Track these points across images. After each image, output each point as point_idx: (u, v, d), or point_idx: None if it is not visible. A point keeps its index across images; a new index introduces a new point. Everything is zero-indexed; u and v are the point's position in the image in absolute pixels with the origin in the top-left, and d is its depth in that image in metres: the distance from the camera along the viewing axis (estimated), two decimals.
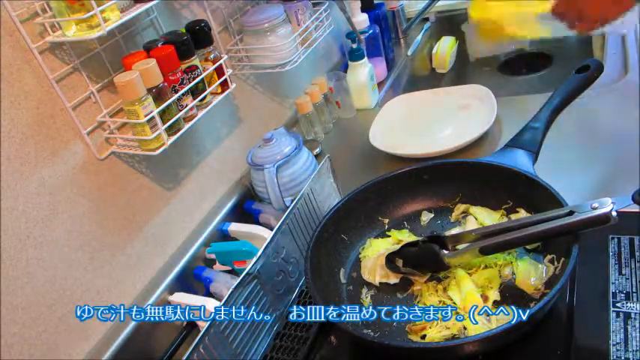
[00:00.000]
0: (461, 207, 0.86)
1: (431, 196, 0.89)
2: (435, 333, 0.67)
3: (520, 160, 0.81)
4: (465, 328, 0.67)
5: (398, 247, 0.78)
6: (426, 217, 0.88)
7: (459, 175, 0.87)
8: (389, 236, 0.86)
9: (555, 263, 0.70)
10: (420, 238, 0.78)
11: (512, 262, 0.74)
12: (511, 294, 0.70)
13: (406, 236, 0.85)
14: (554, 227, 0.66)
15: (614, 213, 0.62)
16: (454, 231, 0.82)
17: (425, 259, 0.75)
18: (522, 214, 0.79)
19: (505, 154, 0.83)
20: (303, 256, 0.79)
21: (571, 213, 0.65)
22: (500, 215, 0.82)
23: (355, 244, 0.86)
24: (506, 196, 0.82)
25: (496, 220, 0.81)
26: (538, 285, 0.69)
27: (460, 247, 0.74)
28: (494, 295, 0.70)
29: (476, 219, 0.83)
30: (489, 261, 0.74)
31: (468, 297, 0.70)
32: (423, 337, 0.68)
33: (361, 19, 1.34)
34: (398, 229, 0.87)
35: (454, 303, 0.70)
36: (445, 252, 0.73)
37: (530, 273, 0.71)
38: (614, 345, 0.61)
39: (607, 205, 0.62)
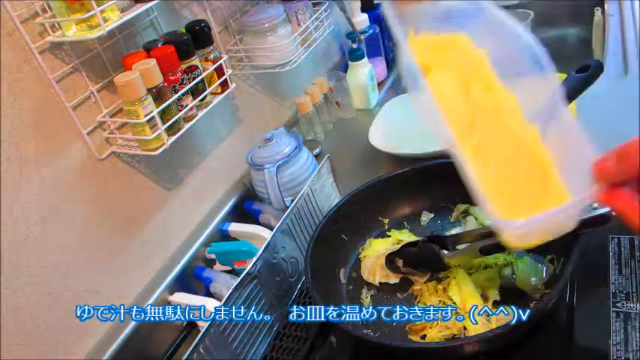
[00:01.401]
0: (461, 207, 0.86)
1: (431, 196, 0.89)
2: (435, 333, 0.67)
3: None
4: (465, 328, 0.67)
5: (398, 247, 0.78)
6: (426, 217, 0.88)
7: (459, 175, 0.86)
8: (389, 236, 0.86)
9: (555, 263, 0.70)
10: (420, 238, 0.78)
11: (512, 262, 0.73)
12: (511, 294, 0.70)
13: (406, 236, 0.85)
14: None
15: (614, 213, 0.62)
16: (454, 231, 0.82)
17: (425, 259, 0.75)
18: None
19: None
20: (303, 256, 0.79)
21: None
22: None
23: (355, 244, 0.86)
24: None
25: None
26: (538, 285, 0.69)
27: (460, 247, 0.74)
28: (494, 295, 0.70)
29: (476, 219, 0.83)
30: (489, 261, 0.74)
31: (468, 297, 0.70)
32: (423, 337, 0.68)
33: (361, 19, 1.34)
34: (398, 229, 0.87)
35: (454, 303, 0.70)
36: (445, 252, 0.73)
37: (530, 273, 0.71)
38: (614, 345, 0.61)
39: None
